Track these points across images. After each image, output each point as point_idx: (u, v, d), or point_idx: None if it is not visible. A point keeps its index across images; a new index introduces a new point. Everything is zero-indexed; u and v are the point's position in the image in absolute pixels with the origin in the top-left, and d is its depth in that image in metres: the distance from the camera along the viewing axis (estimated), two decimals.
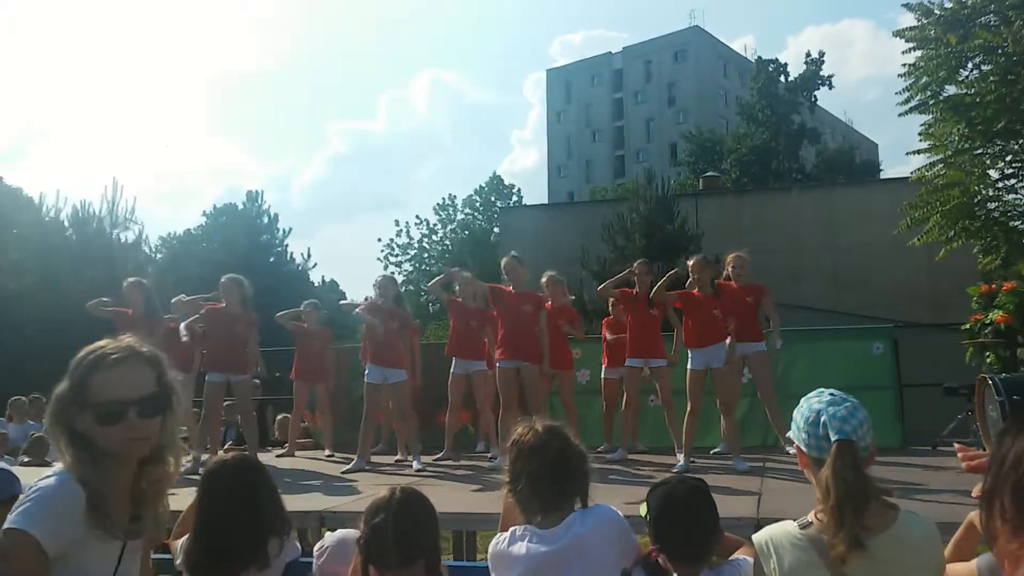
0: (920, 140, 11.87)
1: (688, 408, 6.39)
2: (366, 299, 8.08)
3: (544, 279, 7.56)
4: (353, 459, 6.97)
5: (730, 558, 2.35)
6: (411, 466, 6.83)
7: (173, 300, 8.44)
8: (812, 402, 2.15)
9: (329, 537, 2.96)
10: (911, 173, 12.84)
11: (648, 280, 7.15)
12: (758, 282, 7.17)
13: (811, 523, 2.07)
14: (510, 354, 6.70)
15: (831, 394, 2.16)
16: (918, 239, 12.20)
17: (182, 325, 7.35)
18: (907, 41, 11.28)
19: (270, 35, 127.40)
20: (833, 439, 2.04)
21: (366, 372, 7.07)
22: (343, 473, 6.66)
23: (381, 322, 6.98)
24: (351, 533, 2.97)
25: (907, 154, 18.10)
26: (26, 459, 8.20)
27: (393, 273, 50.15)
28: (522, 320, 6.78)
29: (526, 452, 2.42)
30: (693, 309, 6.54)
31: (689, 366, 6.46)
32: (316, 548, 2.94)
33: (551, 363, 7.15)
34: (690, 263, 6.71)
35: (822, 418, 2.08)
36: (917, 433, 7.68)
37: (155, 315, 7.41)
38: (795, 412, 2.20)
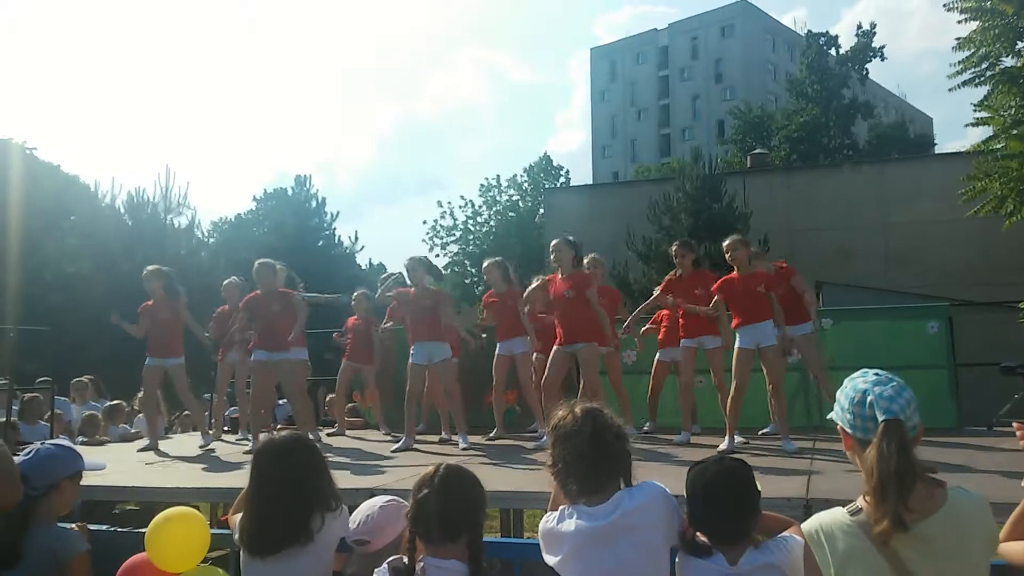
0: (976, 112, 11.54)
1: (733, 386, 6.30)
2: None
3: (586, 260, 7.55)
4: (402, 438, 7.06)
5: (777, 536, 2.33)
6: (457, 444, 6.90)
7: (224, 283, 8.63)
8: (857, 382, 2.12)
9: (357, 512, 3.05)
10: (971, 146, 12.50)
11: (689, 260, 7.09)
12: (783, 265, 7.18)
13: (860, 508, 2.05)
14: (564, 339, 6.71)
15: (876, 374, 2.13)
16: (975, 211, 11.91)
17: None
18: (961, 12, 10.95)
19: (315, 18, 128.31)
20: (880, 419, 2.01)
21: (411, 352, 7.14)
22: (392, 452, 6.76)
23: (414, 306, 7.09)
24: (374, 503, 3.06)
25: (965, 125, 17.62)
26: (83, 438, 8.48)
27: (438, 256, 50.46)
28: (568, 303, 6.77)
29: (562, 436, 2.44)
30: (733, 291, 6.43)
31: (737, 344, 6.37)
32: (350, 522, 3.02)
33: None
34: (725, 243, 6.57)
35: (868, 398, 2.06)
36: (973, 413, 7.54)
37: (177, 298, 7.79)
38: (838, 394, 2.18)
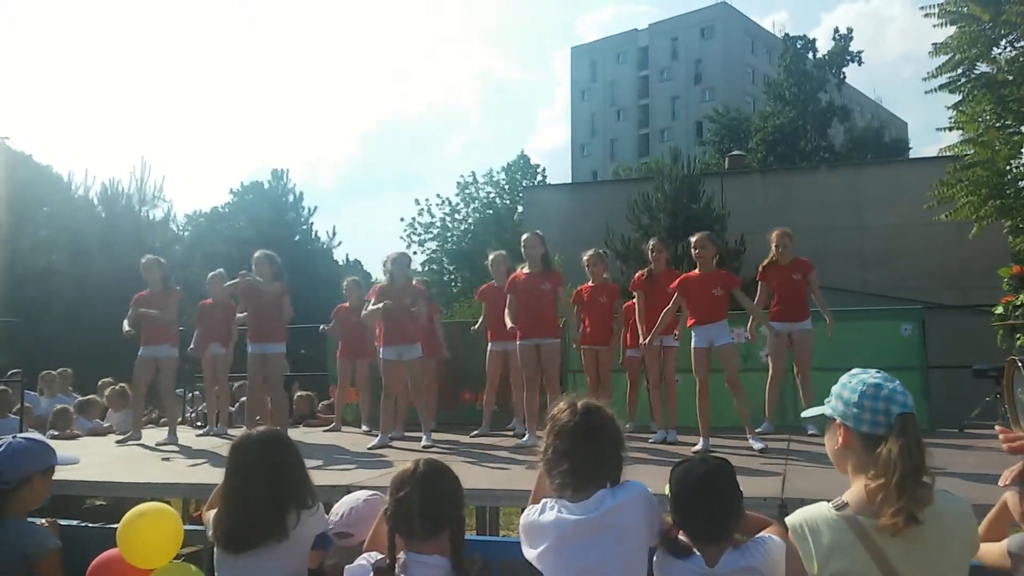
0: (950, 119, 11.70)
1: (697, 387, 6.27)
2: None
3: (585, 257, 7.53)
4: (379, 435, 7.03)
5: (756, 536, 2.35)
6: (427, 441, 6.83)
7: (209, 275, 8.57)
8: (864, 378, 2.13)
9: (339, 504, 3.06)
10: (941, 150, 12.69)
11: (664, 258, 7.09)
12: (803, 258, 7.18)
13: (846, 504, 2.06)
14: (527, 332, 6.70)
15: (877, 372, 2.15)
16: (946, 215, 12.09)
17: None
18: (939, 17, 11.08)
19: (300, 15, 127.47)
20: (897, 412, 2.03)
21: (380, 350, 7.06)
22: (369, 449, 6.72)
23: (393, 302, 6.91)
24: (348, 497, 3.08)
25: (937, 130, 17.88)
26: (55, 432, 8.36)
27: (416, 252, 50.28)
28: (538, 299, 6.73)
29: (556, 429, 2.44)
30: (689, 289, 6.37)
31: (692, 344, 6.33)
32: (331, 515, 3.03)
33: (593, 339, 7.24)
34: (692, 239, 6.50)
35: (883, 392, 2.07)
36: (943, 415, 7.62)
37: (171, 290, 7.78)
38: (838, 389, 2.17)
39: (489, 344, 7.53)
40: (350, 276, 8.92)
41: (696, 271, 6.42)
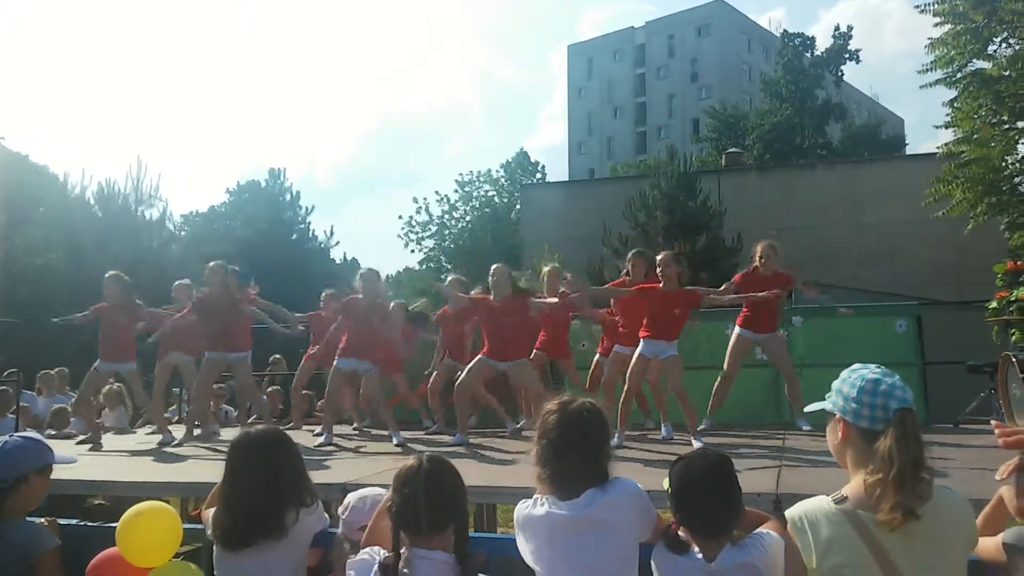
0: (947, 115, 11.71)
1: (625, 389, 6.36)
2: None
3: (544, 271, 7.62)
4: (384, 434, 7.09)
5: (754, 532, 2.36)
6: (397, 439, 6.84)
7: (175, 284, 8.51)
8: (863, 373, 2.14)
9: (350, 496, 3.07)
10: (937, 148, 12.69)
11: (641, 271, 7.07)
12: (786, 272, 7.13)
13: (845, 498, 2.07)
14: (493, 356, 6.73)
15: (877, 367, 2.16)
16: (942, 213, 12.11)
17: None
18: (935, 16, 11.10)
19: (299, 12, 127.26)
20: (896, 407, 2.04)
21: (336, 361, 7.04)
22: (316, 447, 6.71)
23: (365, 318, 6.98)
24: (370, 491, 3.10)
25: (935, 127, 17.89)
26: (52, 432, 8.37)
27: (413, 251, 50.26)
28: (503, 328, 6.73)
29: (542, 430, 2.47)
30: (651, 301, 6.37)
31: (638, 350, 6.37)
32: (340, 509, 3.04)
33: (552, 352, 7.45)
34: (659, 258, 6.51)
35: (881, 387, 2.08)
36: (940, 411, 7.64)
37: (131, 304, 7.58)
38: (838, 384, 2.18)
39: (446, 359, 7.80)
40: (327, 289, 8.91)
41: (660, 285, 6.41)
